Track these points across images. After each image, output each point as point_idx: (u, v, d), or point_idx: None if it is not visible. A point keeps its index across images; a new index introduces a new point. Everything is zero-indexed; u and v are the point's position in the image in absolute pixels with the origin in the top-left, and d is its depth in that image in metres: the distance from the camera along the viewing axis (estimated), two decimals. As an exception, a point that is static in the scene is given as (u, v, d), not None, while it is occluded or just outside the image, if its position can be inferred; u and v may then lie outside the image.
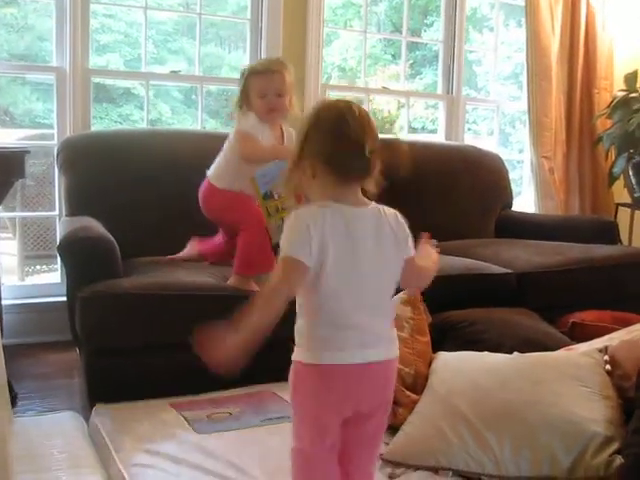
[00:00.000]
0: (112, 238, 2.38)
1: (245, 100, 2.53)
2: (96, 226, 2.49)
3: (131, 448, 1.89)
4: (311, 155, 1.32)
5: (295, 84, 2.61)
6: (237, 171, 2.51)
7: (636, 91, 3.79)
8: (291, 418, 1.40)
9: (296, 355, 1.36)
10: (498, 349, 2.25)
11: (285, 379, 2.02)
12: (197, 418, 2.08)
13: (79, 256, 2.28)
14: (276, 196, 2.46)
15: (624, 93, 3.84)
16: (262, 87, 2.48)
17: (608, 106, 3.91)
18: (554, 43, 4.05)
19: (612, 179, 3.94)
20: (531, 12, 3.97)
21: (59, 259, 3.11)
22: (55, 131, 3.18)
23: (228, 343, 1.24)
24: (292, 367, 1.38)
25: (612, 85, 4.24)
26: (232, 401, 2.23)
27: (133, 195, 2.89)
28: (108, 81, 5.64)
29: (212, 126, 4.66)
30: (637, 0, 4.06)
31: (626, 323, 2.50)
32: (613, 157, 3.95)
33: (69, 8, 3.09)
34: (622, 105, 3.78)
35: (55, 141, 3.15)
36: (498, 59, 4.60)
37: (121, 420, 2.06)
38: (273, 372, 2.28)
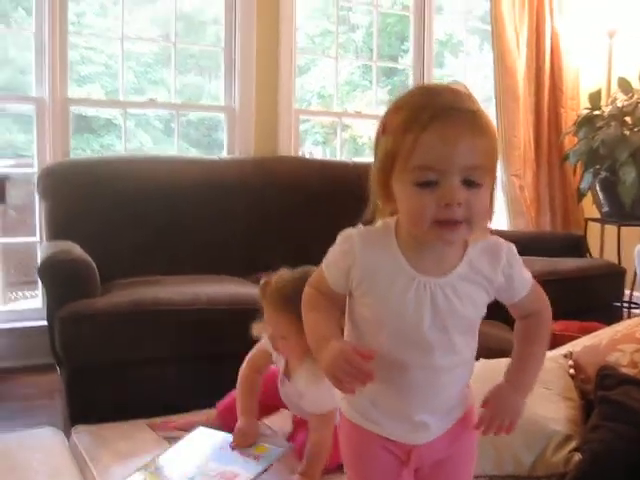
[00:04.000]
0: (90, 259, 2.45)
1: None
2: (75, 249, 2.56)
3: (109, 462, 1.94)
4: None
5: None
6: None
7: (599, 109, 3.91)
8: None
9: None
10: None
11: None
12: (177, 437, 2.08)
13: (57, 277, 2.36)
14: None
15: (588, 111, 3.96)
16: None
17: (574, 124, 4.03)
18: (520, 64, 4.18)
19: (580, 195, 4.04)
20: (497, 34, 4.11)
21: (40, 284, 3.18)
22: (35, 159, 3.26)
23: None
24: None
25: (578, 104, 4.36)
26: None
27: (112, 219, 2.98)
28: (89, 112, 5.73)
29: (193, 155, 4.73)
30: (599, 21, 4.19)
31: (592, 332, 2.59)
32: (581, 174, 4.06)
33: (47, 40, 3.19)
34: (587, 123, 3.89)
35: (35, 168, 3.23)
36: (475, 82, 4.70)
37: (100, 438, 2.10)
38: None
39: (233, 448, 1.92)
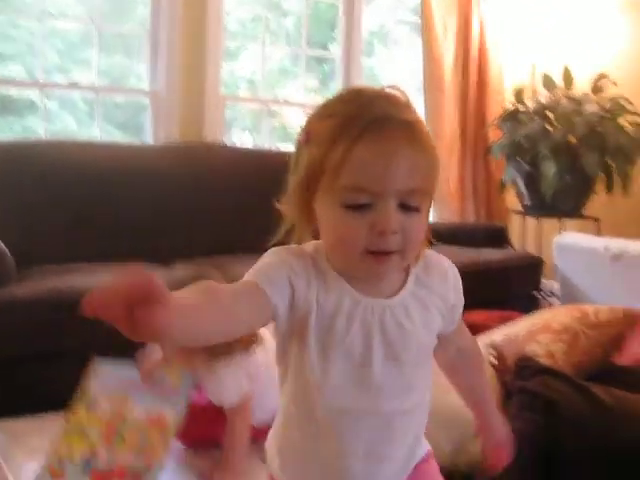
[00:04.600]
0: (2, 245, 2.35)
1: None
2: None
3: (22, 460, 1.90)
4: None
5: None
6: None
7: (523, 103, 3.99)
8: None
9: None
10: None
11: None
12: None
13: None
14: None
15: (513, 106, 4.04)
16: None
17: (499, 117, 4.09)
18: (448, 55, 4.20)
19: (502, 187, 4.13)
20: (425, 23, 4.11)
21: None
22: (-54, 141, 3.12)
23: None
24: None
25: (504, 97, 4.42)
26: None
27: (30, 204, 2.86)
28: (12, 93, 5.51)
29: (119, 138, 4.60)
30: (525, 17, 4.27)
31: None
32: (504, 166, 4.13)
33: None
34: (511, 117, 3.97)
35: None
36: (405, 72, 4.71)
37: (12, 435, 2.05)
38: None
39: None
